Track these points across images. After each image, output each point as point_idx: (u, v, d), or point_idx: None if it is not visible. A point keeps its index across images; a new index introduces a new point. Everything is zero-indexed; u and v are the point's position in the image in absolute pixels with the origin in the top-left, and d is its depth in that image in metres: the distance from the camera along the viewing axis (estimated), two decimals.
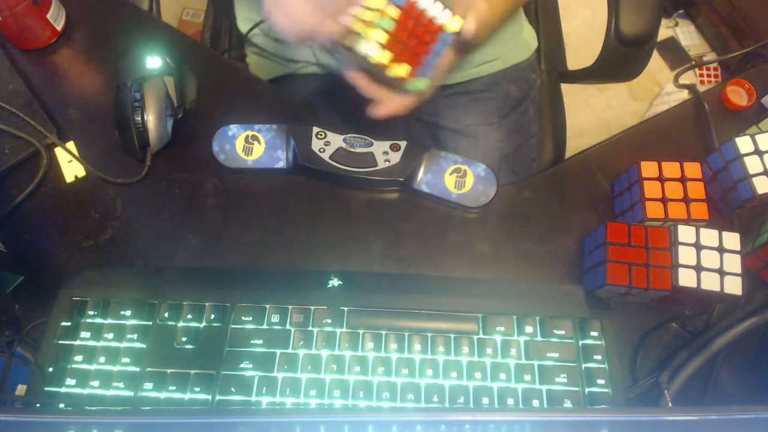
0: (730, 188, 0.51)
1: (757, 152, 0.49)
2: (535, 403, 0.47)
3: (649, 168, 0.52)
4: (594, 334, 0.49)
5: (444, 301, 0.51)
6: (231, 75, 0.65)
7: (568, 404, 0.47)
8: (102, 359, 0.49)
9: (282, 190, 0.57)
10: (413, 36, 0.46)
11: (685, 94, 0.64)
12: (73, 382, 0.48)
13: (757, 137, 0.50)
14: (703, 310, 0.52)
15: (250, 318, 0.49)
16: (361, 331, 0.49)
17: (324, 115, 0.65)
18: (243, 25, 0.75)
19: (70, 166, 0.59)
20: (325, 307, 0.50)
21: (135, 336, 0.49)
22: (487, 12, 0.48)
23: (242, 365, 0.48)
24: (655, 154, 0.53)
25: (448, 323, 0.49)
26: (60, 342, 0.50)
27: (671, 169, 0.52)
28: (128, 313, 0.50)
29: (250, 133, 0.57)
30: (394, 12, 0.45)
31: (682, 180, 0.51)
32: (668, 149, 0.59)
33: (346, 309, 0.50)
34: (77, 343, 0.49)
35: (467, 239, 0.55)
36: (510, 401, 0.47)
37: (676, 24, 1.63)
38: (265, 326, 0.49)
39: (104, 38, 0.66)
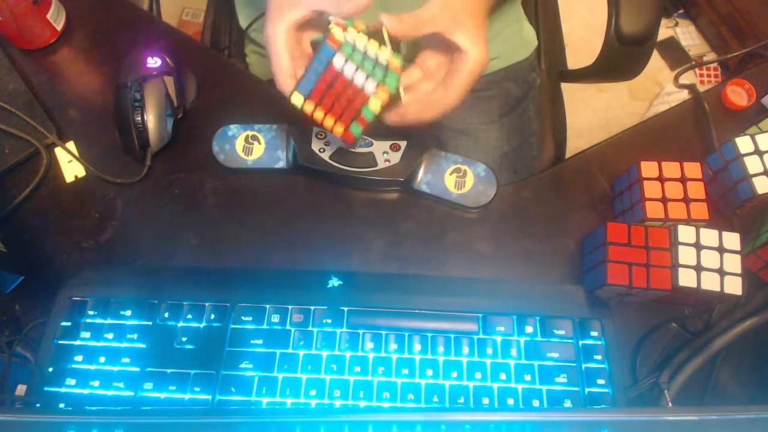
0: (730, 188, 0.51)
1: (757, 152, 0.49)
2: (535, 403, 0.47)
3: (649, 168, 0.52)
4: (594, 334, 0.49)
5: (444, 301, 0.51)
6: (231, 75, 0.65)
7: (568, 404, 0.47)
8: (102, 359, 0.49)
9: (282, 190, 0.57)
10: (340, 97, 0.45)
11: (685, 94, 0.64)
12: (73, 382, 0.48)
13: (757, 137, 0.50)
14: (703, 310, 0.52)
15: (250, 318, 0.49)
16: (361, 331, 0.49)
17: None
18: (243, 21, 0.75)
19: (70, 166, 0.59)
20: (325, 307, 0.50)
21: (135, 336, 0.49)
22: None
23: (242, 365, 0.48)
24: (655, 154, 0.53)
25: (448, 323, 0.49)
26: (60, 342, 0.50)
27: (671, 169, 0.52)
28: (128, 313, 0.50)
29: (250, 133, 0.57)
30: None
31: (682, 180, 0.51)
32: (668, 149, 0.59)
33: (346, 309, 0.50)
34: (77, 343, 0.49)
35: (467, 239, 0.55)
36: (510, 401, 0.47)
37: (676, 24, 1.63)
38: (265, 326, 0.49)
39: (104, 38, 0.66)
